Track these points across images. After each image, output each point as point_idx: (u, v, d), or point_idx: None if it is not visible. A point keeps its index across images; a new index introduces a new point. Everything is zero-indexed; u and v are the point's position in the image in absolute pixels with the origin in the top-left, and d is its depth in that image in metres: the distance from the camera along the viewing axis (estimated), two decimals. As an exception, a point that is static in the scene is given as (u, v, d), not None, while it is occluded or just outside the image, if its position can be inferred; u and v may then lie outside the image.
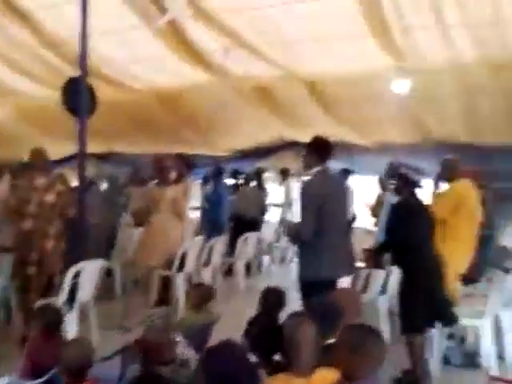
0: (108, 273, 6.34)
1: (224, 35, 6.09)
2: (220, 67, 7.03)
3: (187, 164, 6.57)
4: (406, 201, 4.15)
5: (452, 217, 4.77)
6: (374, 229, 7.27)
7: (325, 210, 3.71)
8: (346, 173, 8.67)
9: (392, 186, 4.30)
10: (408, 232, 3.98)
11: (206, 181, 9.34)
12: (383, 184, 5.42)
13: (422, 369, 3.97)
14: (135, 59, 7.11)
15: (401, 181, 4.16)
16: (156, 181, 6.13)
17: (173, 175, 5.95)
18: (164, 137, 9.66)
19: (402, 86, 6.29)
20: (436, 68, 6.10)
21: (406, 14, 5.21)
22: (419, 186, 4.20)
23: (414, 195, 4.18)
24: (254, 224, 7.79)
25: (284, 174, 8.95)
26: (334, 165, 8.63)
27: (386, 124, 7.84)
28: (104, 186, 7.76)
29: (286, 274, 7.56)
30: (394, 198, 4.29)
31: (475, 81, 6.03)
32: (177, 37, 6.36)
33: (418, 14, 5.19)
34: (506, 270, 4.67)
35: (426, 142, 7.78)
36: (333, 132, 8.39)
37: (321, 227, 3.69)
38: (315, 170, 3.86)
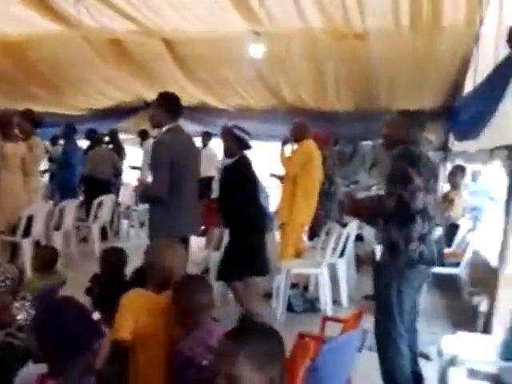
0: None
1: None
2: (72, 17, 6.53)
3: (33, 121, 6.08)
4: (237, 161, 4.25)
5: (301, 173, 5.17)
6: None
7: (177, 167, 3.64)
8: (208, 136, 8.76)
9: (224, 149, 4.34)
10: (236, 192, 4.14)
11: (54, 140, 8.82)
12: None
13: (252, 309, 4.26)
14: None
15: (234, 143, 4.24)
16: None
17: (17, 132, 5.52)
18: (10, 92, 8.81)
19: (257, 51, 6.45)
20: (288, 35, 6.34)
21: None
22: (249, 147, 4.35)
23: (245, 156, 4.32)
24: (108, 186, 7.51)
25: (143, 135, 8.73)
26: (196, 128, 8.74)
27: (244, 88, 8.01)
28: None
29: (145, 238, 7.46)
30: (226, 161, 4.36)
31: (322, 49, 6.40)
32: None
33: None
34: (343, 225, 5.15)
35: (281, 107, 8.13)
36: (193, 94, 8.40)
37: (173, 185, 3.62)
38: (166, 127, 3.75)
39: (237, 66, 7.23)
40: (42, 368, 1.96)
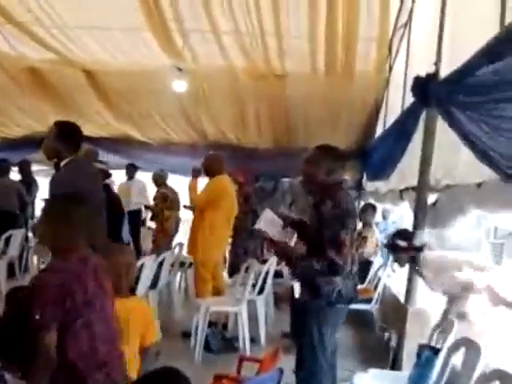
0: None
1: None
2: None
3: None
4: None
5: (211, 209, 5.09)
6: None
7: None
8: (134, 168, 8.55)
9: None
10: None
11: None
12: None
13: None
14: None
15: None
16: None
17: None
18: None
19: (179, 86, 6.51)
20: (211, 72, 6.47)
21: (185, 18, 5.44)
22: (109, 176, 4.36)
23: (107, 185, 4.37)
24: (13, 219, 7.02)
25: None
26: (119, 160, 8.56)
27: (167, 122, 8.00)
28: None
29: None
30: None
31: (243, 87, 6.58)
32: None
33: (195, 19, 5.44)
34: (263, 261, 5.20)
35: (203, 142, 8.19)
36: (115, 126, 8.26)
37: None
38: (67, 160, 3.41)
39: (159, 101, 7.24)
40: None
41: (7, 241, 6.52)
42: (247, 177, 6.14)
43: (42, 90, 7.48)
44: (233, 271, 5.90)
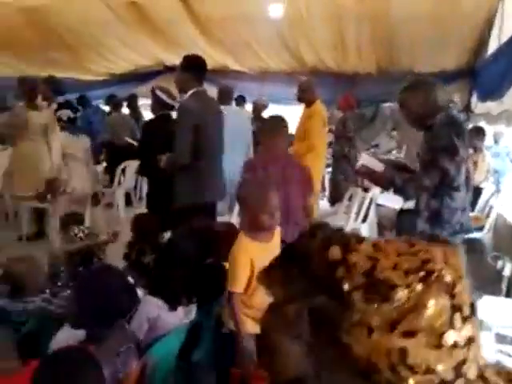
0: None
1: None
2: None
3: (55, 88, 6.09)
4: (155, 119, 4.41)
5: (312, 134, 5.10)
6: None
7: (201, 132, 3.59)
8: (242, 99, 8.58)
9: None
10: (152, 148, 4.10)
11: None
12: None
13: None
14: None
15: (154, 102, 4.36)
16: (22, 103, 5.63)
17: (40, 99, 5.53)
18: (30, 57, 8.79)
19: (276, 10, 6.30)
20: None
21: None
22: (168, 107, 4.38)
23: (164, 114, 4.36)
24: (127, 151, 7.47)
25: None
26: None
27: (264, 50, 7.84)
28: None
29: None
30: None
31: (343, 8, 6.17)
32: None
33: None
34: (365, 189, 5.12)
35: (302, 70, 7.96)
36: (211, 55, 8.26)
37: (196, 151, 3.60)
38: (191, 91, 3.69)
39: (256, 27, 7.06)
40: (76, 333, 2.02)
41: (123, 172, 7.01)
42: (353, 104, 5.96)
43: (142, 22, 7.59)
44: (334, 199, 5.89)
